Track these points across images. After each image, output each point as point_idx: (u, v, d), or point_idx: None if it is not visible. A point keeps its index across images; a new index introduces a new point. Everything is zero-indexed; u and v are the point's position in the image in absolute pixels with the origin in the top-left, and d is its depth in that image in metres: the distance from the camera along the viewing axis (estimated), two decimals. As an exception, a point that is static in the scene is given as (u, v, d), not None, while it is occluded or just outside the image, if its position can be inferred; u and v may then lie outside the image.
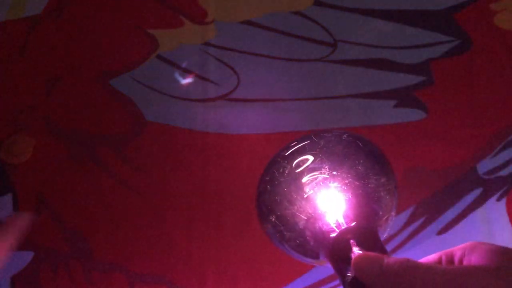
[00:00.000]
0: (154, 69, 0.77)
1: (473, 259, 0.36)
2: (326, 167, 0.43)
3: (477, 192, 0.70)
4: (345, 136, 0.46)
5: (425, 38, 0.76)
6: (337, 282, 0.69)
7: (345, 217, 0.41)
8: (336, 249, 0.40)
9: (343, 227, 0.40)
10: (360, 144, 0.46)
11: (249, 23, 0.78)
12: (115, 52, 0.78)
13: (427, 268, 0.34)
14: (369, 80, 0.75)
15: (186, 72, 0.77)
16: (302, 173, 0.43)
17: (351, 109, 0.74)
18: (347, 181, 0.42)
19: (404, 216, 0.70)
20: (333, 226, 0.41)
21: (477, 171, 0.71)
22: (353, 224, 0.41)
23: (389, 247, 0.69)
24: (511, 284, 0.31)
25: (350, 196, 0.42)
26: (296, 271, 0.70)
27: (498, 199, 0.70)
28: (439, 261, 0.40)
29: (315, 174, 0.43)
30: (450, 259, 0.39)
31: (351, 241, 0.39)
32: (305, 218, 0.42)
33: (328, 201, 0.42)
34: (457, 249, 0.39)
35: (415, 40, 0.76)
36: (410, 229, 0.70)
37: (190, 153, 0.74)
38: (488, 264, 0.33)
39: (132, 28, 0.80)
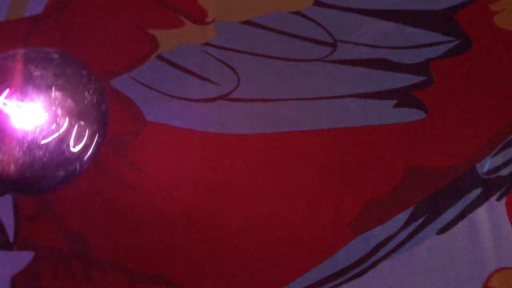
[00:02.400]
0: (154, 69, 0.77)
1: None
2: None
3: (477, 192, 0.70)
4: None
5: (425, 38, 0.76)
6: (337, 282, 0.69)
7: None
8: None
9: None
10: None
11: (249, 23, 0.78)
12: (115, 52, 0.78)
13: None
14: (369, 80, 0.75)
15: (186, 72, 0.77)
16: None
17: (351, 109, 0.74)
18: None
19: (404, 216, 0.70)
20: None
21: (477, 171, 0.71)
22: None
23: (389, 247, 0.69)
24: None
25: None
26: (296, 271, 0.70)
27: (498, 199, 0.70)
28: None
29: None
30: None
31: None
32: None
33: None
34: None
35: (415, 40, 0.76)
36: (410, 229, 0.70)
37: (190, 153, 0.74)
38: None
39: (132, 28, 0.80)
